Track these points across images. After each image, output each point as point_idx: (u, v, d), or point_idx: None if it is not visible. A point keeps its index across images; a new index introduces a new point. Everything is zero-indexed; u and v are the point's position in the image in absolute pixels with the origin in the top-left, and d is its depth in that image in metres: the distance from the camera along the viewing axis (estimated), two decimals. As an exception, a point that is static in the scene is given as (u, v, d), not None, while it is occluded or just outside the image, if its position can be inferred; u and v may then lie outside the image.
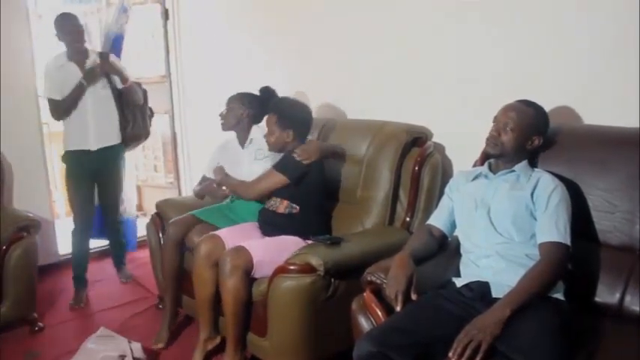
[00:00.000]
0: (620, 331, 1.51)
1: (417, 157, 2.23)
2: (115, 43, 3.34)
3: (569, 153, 1.77)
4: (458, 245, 1.76)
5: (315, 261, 1.87)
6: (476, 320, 1.37)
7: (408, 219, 2.24)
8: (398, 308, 1.53)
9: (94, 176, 2.97)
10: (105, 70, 2.82)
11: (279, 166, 2.19)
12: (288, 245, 2.07)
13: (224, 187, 2.42)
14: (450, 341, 1.34)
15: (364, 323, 1.61)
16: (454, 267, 1.72)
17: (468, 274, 1.64)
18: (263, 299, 1.99)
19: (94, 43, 3.10)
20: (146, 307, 2.90)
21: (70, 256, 3.05)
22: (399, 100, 2.52)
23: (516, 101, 1.71)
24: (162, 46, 3.76)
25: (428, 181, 2.23)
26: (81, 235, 2.98)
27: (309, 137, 2.36)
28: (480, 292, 1.53)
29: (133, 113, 3.07)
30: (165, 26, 3.72)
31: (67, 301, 2.96)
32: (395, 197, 2.27)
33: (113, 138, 2.95)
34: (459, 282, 1.61)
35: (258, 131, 2.47)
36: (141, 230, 3.53)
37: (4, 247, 2.45)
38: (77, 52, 2.81)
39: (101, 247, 3.50)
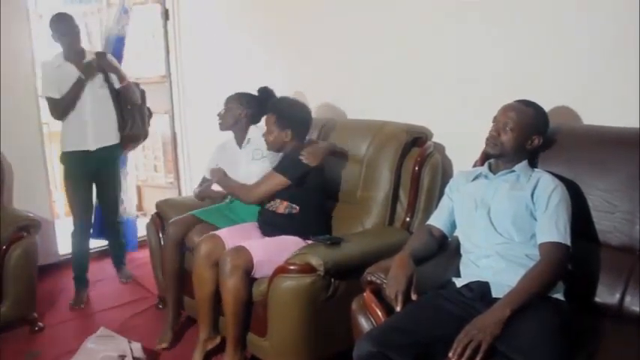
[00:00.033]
0: (620, 332, 1.51)
1: (417, 157, 2.23)
2: (116, 45, 3.35)
3: (569, 153, 1.77)
4: (458, 245, 1.76)
5: (315, 261, 1.87)
6: (476, 320, 1.38)
7: (408, 219, 2.24)
8: (398, 308, 1.53)
9: (93, 177, 2.96)
10: (102, 65, 2.81)
11: (279, 168, 2.19)
12: (288, 245, 2.07)
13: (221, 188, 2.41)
14: (450, 341, 1.34)
15: (364, 323, 1.61)
16: (454, 267, 1.72)
17: (468, 274, 1.64)
18: (263, 299, 1.99)
19: (95, 44, 3.11)
20: (146, 307, 2.90)
21: (70, 256, 3.05)
22: (399, 100, 2.52)
23: (516, 101, 1.71)
24: (163, 46, 3.76)
25: (428, 182, 2.23)
26: (80, 235, 2.98)
27: (309, 137, 2.37)
28: (480, 292, 1.53)
29: (132, 113, 3.07)
30: (165, 26, 3.72)
31: (67, 301, 2.96)
32: (395, 197, 2.27)
33: (112, 138, 2.95)
34: (459, 282, 1.61)
35: (256, 131, 2.47)
36: (141, 230, 3.54)
37: (4, 247, 2.45)
38: (74, 52, 2.80)
39: (101, 247, 3.50)
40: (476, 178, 1.76)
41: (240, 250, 2.02)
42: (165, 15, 3.70)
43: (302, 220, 2.19)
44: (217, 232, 2.19)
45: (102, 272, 3.34)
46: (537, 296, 1.43)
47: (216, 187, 2.51)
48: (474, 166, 1.91)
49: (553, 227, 1.53)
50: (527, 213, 1.59)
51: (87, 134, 2.85)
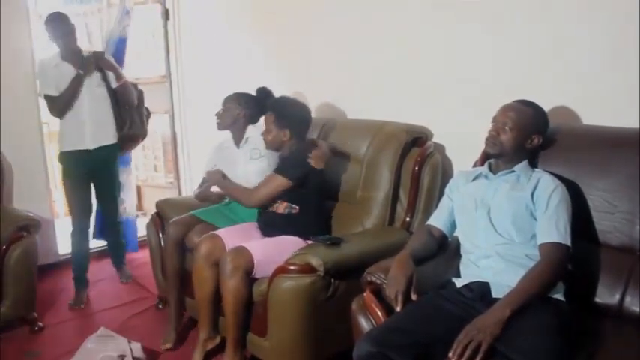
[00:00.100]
0: (620, 332, 1.51)
1: (417, 158, 2.23)
2: (118, 46, 3.36)
3: (569, 153, 1.77)
4: (458, 245, 1.76)
5: (315, 261, 1.87)
6: (476, 320, 1.38)
7: (408, 219, 2.24)
8: (398, 308, 1.53)
9: (91, 177, 2.96)
10: (100, 64, 2.81)
11: (279, 170, 2.18)
12: (288, 245, 2.07)
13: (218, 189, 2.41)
14: (450, 341, 1.34)
15: (364, 323, 1.61)
16: (454, 267, 1.73)
17: (468, 274, 1.64)
18: (263, 299, 1.99)
19: (95, 44, 3.10)
20: (146, 307, 2.90)
21: (70, 255, 3.05)
22: (399, 100, 2.52)
23: (515, 101, 1.71)
24: (163, 46, 3.76)
25: (428, 182, 2.23)
26: (80, 235, 2.98)
27: (308, 137, 2.36)
28: (480, 292, 1.53)
29: (130, 113, 3.07)
30: (165, 26, 3.72)
31: (67, 301, 2.96)
32: (395, 197, 2.27)
33: (110, 137, 2.95)
34: (459, 282, 1.61)
35: (254, 131, 2.46)
36: (141, 230, 3.54)
37: (4, 247, 2.45)
38: (71, 52, 2.79)
39: (101, 247, 3.50)
40: (476, 178, 1.76)
41: (241, 251, 2.02)
42: (166, 15, 3.70)
43: (302, 221, 2.18)
44: (217, 232, 2.19)
45: (102, 272, 3.34)
46: (537, 296, 1.43)
47: (215, 189, 2.51)
48: (474, 166, 1.91)
49: (553, 227, 1.53)
50: (527, 213, 1.59)
51: (85, 133, 2.84)
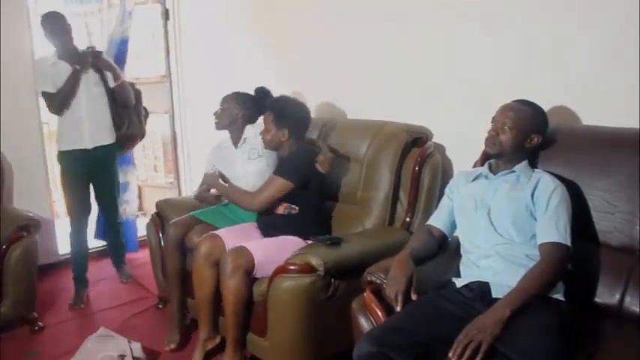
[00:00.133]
0: (620, 332, 1.51)
1: (417, 158, 2.23)
2: (120, 47, 3.36)
3: (569, 153, 1.77)
4: (458, 245, 1.76)
5: (315, 261, 1.87)
6: (476, 320, 1.38)
7: (408, 219, 2.24)
8: (398, 308, 1.54)
9: (90, 177, 2.96)
10: (97, 63, 2.80)
11: (280, 171, 2.17)
12: (288, 245, 2.07)
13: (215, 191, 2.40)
14: (450, 341, 1.34)
15: (364, 323, 1.61)
16: (454, 267, 1.72)
17: (468, 274, 1.64)
18: (263, 299, 1.99)
19: (95, 45, 3.09)
20: (146, 307, 2.90)
21: (70, 255, 3.05)
22: (399, 100, 2.52)
23: (513, 101, 1.72)
24: (163, 46, 3.76)
25: (428, 182, 2.23)
26: (79, 235, 2.98)
27: (308, 137, 2.37)
28: (480, 292, 1.53)
29: (128, 113, 3.07)
30: (165, 26, 3.72)
31: (67, 301, 2.96)
32: (395, 198, 2.27)
33: (108, 137, 2.94)
34: (459, 282, 1.61)
35: (252, 130, 2.46)
36: (141, 230, 3.53)
37: (4, 247, 2.45)
38: (67, 51, 2.79)
39: (101, 247, 3.50)
40: (476, 178, 1.76)
41: (242, 251, 2.02)
42: (166, 15, 3.70)
43: (301, 221, 2.18)
44: (217, 232, 2.19)
45: (102, 272, 3.34)
46: (537, 297, 1.43)
47: (214, 190, 2.51)
48: (474, 166, 1.92)
49: (553, 228, 1.53)
50: (527, 213, 1.59)
51: (83, 133, 2.84)
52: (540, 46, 2.01)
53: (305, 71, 2.95)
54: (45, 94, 2.80)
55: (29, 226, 2.59)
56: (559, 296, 1.51)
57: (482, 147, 1.75)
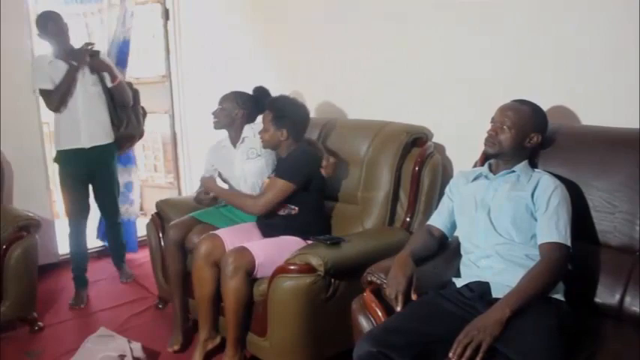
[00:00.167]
0: (620, 332, 1.51)
1: (417, 158, 2.23)
2: (122, 48, 3.36)
3: (569, 153, 1.77)
4: (458, 246, 1.76)
5: (315, 261, 1.87)
6: (476, 320, 1.37)
7: (408, 219, 2.24)
8: (398, 308, 1.54)
9: (88, 177, 2.95)
10: (95, 64, 2.80)
11: (280, 174, 2.16)
12: (288, 245, 2.07)
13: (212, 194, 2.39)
14: (450, 341, 1.34)
15: (364, 323, 1.61)
16: (454, 267, 1.73)
17: (468, 274, 1.64)
18: (263, 299, 1.99)
19: (96, 45, 3.09)
20: (146, 307, 2.89)
21: (70, 256, 3.05)
22: (399, 100, 2.52)
23: (512, 101, 1.72)
24: (163, 46, 3.76)
25: (428, 182, 2.23)
26: (78, 235, 2.97)
27: (308, 136, 2.36)
28: (480, 292, 1.53)
29: (127, 113, 3.07)
30: (165, 26, 3.72)
31: (67, 301, 2.96)
32: (395, 198, 2.27)
33: (105, 136, 2.93)
34: (459, 282, 1.61)
35: (251, 130, 2.45)
36: (141, 230, 3.53)
37: (5, 247, 2.45)
38: (63, 51, 2.79)
39: (101, 247, 3.50)
40: (476, 178, 1.76)
41: (242, 251, 2.02)
42: (166, 15, 3.70)
43: (301, 221, 2.18)
44: (217, 232, 2.19)
45: (102, 272, 3.34)
46: (537, 297, 1.43)
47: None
48: (474, 166, 1.92)
49: (553, 228, 1.53)
50: (527, 213, 1.59)
51: (80, 132, 2.83)
52: (540, 46, 2.01)
53: (305, 71, 2.95)
54: (42, 92, 2.79)
55: (29, 226, 2.58)
56: (559, 296, 1.51)
57: (482, 147, 1.75)
